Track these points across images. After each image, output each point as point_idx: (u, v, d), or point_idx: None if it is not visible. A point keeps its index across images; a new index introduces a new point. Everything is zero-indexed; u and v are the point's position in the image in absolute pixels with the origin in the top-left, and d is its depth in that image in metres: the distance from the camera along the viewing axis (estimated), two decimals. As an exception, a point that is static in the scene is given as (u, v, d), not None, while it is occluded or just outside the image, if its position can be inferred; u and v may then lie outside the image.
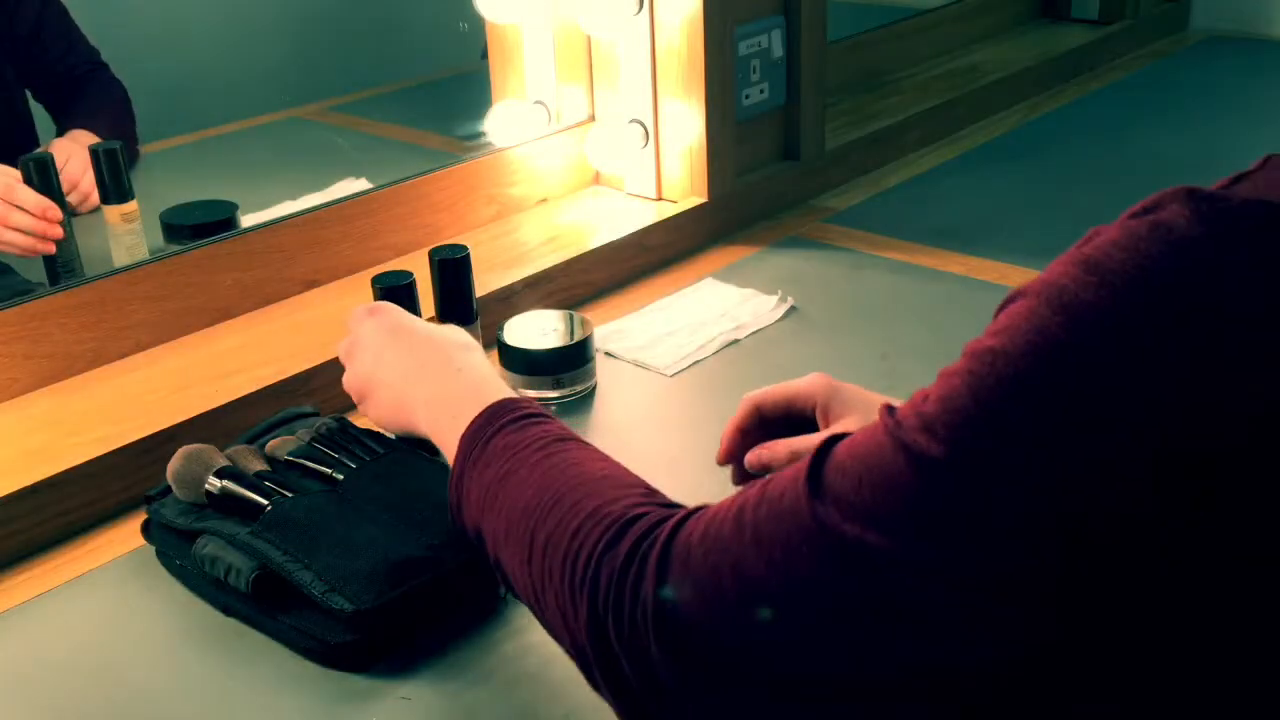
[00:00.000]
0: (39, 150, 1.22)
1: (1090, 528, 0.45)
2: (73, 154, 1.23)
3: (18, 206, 1.10)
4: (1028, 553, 0.46)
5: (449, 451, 0.74)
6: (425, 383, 0.80)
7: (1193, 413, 0.44)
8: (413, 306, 0.97)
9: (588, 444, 0.69)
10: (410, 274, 1.01)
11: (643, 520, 0.59)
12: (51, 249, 1.12)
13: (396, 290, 0.99)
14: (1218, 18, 2.25)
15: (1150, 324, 0.45)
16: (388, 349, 0.84)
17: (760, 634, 0.52)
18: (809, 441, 0.84)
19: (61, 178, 1.16)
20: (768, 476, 0.56)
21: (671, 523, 0.57)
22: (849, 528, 0.49)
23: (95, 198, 1.20)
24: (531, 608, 0.65)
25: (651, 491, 0.64)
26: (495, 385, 0.77)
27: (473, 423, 0.72)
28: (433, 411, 0.78)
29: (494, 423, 0.72)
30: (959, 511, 0.47)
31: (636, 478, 0.65)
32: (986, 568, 0.47)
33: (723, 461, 0.88)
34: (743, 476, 0.87)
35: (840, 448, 0.53)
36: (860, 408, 0.84)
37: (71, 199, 1.21)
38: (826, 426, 0.84)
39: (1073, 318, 0.46)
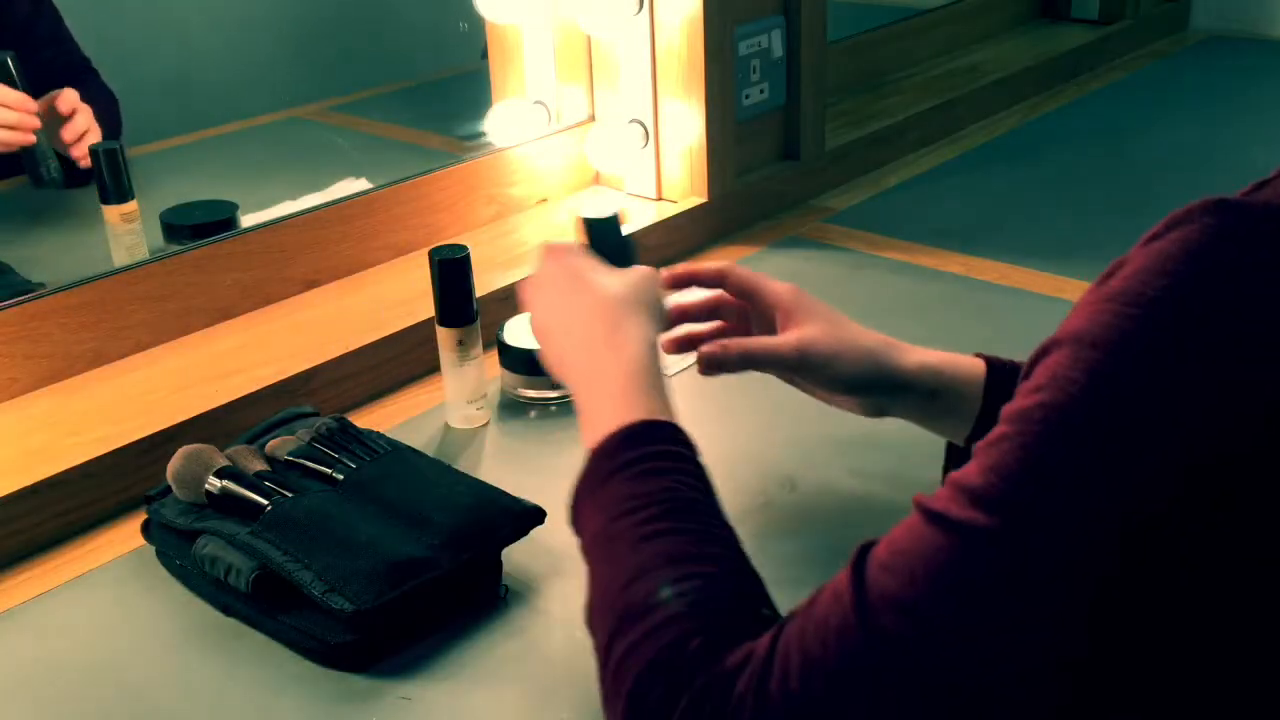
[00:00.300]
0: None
1: (1133, 549, 0.45)
2: (78, 108, 1.24)
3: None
4: (1075, 589, 0.46)
5: (583, 434, 0.72)
6: (583, 353, 0.76)
7: (1214, 414, 0.44)
8: (622, 244, 0.88)
9: (694, 506, 0.65)
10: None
11: (706, 670, 0.55)
12: (32, 139, 1.14)
13: (602, 225, 0.94)
14: (1218, 18, 2.25)
15: (1176, 336, 0.45)
16: (560, 299, 0.80)
17: None
18: (763, 344, 0.83)
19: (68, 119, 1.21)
20: (801, 603, 0.55)
21: (728, 665, 0.54)
22: (907, 630, 0.48)
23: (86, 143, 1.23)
24: (601, 686, 0.62)
25: (723, 607, 0.59)
26: (642, 382, 0.73)
27: (604, 443, 0.69)
28: (581, 394, 0.75)
29: (623, 452, 0.68)
30: (1002, 579, 0.47)
31: (717, 569, 0.61)
32: (1042, 616, 0.46)
33: (668, 283, 0.87)
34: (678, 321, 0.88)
35: (878, 550, 0.52)
36: (825, 317, 0.83)
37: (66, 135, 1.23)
38: (785, 331, 0.84)
39: (1117, 354, 0.46)
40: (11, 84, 1.17)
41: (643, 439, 0.69)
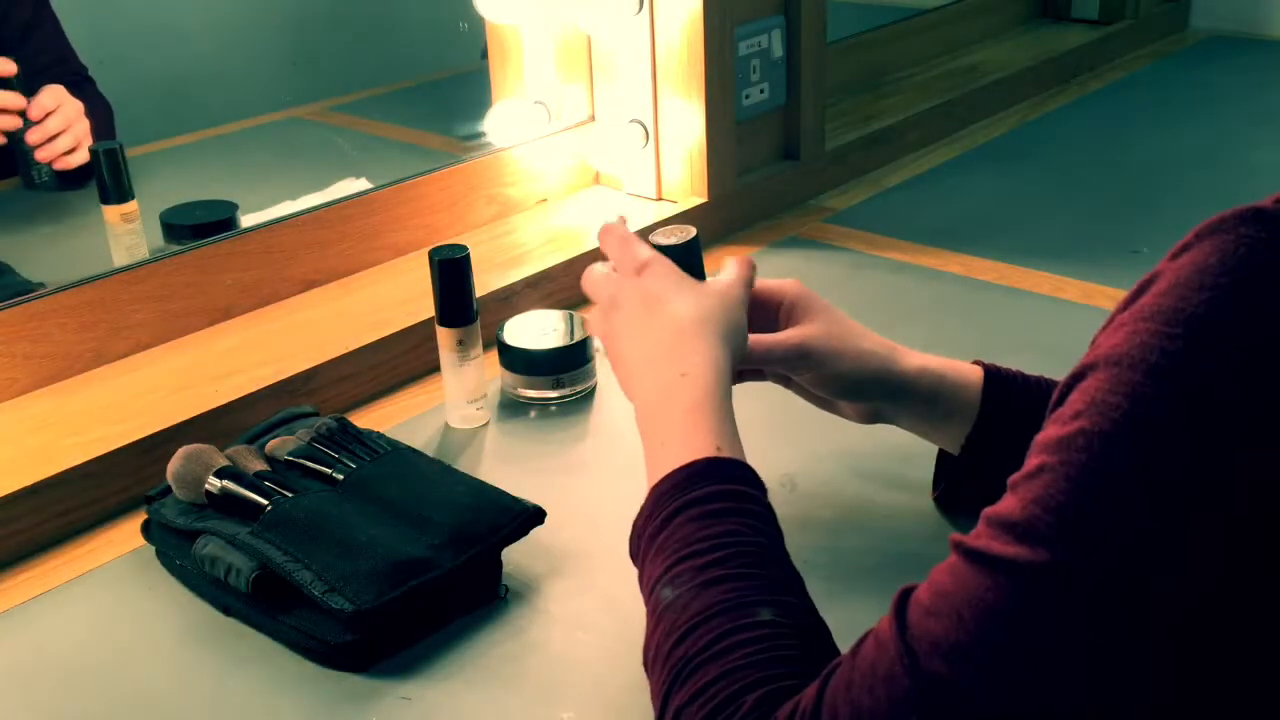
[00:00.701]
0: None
1: (1155, 586, 0.44)
2: (63, 102, 1.24)
3: None
4: (1137, 621, 0.45)
5: (646, 461, 0.71)
6: (650, 381, 0.74)
7: (1262, 428, 0.43)
8: (694, 263, 0.84)
9: (759, 550, 0.63)
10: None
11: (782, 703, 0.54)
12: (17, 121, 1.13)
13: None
14: (1218, 18, 2.25)
15: (1226, 353, 0.44)
16: (635, 319, 0.77)
17: None
18: (764, 340, 0.81)
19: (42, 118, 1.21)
20: (844, 654, 0.53)
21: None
22: (960, 674, 0.47)
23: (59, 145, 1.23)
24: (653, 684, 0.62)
25: (779, 664, 0.58)
26: (708, 411, 0.71)
27: (666, 481, 0.67)
28: (646, 423, 0.73)
29: (683, 494, 0.66)
30: (1047, 611, 0.45)
31: (784, 615, 0.60)
32: (1104, 651, 0.45)
33: None
34: None
35: (919, 594, 0.50)
36: (828, 316, 0.82)
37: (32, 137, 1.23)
38: (787, 327, 0.83)
39: (1158, 373, 0.45)
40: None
41: (707, 478, 0.67)
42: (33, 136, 1.22)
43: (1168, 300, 0.46)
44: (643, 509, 0.68)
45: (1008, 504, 0.48)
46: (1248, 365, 0.44)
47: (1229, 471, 0.44)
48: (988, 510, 0.49)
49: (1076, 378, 0.48)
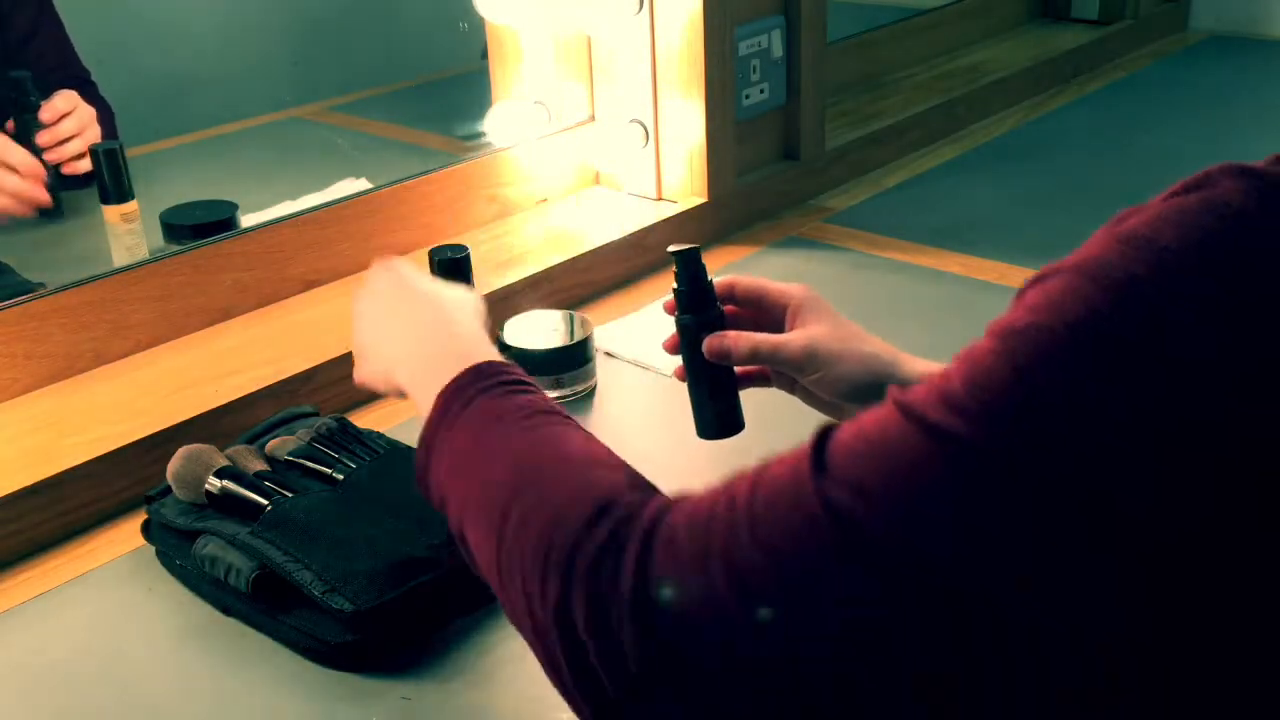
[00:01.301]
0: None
1: (1122, 506, 0.44)
2: (77, 106, 1.24)
3: (8, 167, 1.11)
4: (1055, 537, 0.44)
5: (425, 408, 0.70)
6: (414, 338, 0.76)
7: (1246, 381, 0.43)
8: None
9: (570, 419, 0.65)
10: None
11: (626, 503, 0.55)
12: (33, 213, 1.12)
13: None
14: (1218, 18, 2.25)
15: (1207, 293, 0.44)
16: (387, 305, 0.80)
17: (748, 626, 0.48)
18: (771, 340, 0.82)
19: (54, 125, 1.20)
20: (759, 463, 0.53)
21: (655, 506, 0.54)
22: (860, 512, 0.46)
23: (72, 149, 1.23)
24: (493, 585, 0.61)
25: (635, 475, 0.60)
26: (486, 349, 0.72)
27: (454, 380, 0.68)
28: (415, 366, 0.74)
29: (476, 383, 0.67)
30: (990, 495, 0.44)
31: (619, 459, 0.61)
32: (1009, 558, 0.44)
33: (673, 349, 0.86)
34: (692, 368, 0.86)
35: (843, 432, 0.49)
36: (834, 320, 0.83)
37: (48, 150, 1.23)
38: (792, 329, 0.83)
39: (1121, 293, 0.45)
40: (32, 105, 1.18)
41: (493, 371, 0.68)
42: (44, 139, 1.22)
43: (1143, 230, 0.46)
44: (427, 422, 0.68)
45: (950, 374, 0.47)
46: (1207, 299, 0.44)
47: (1218, 415, 0.43)
48: (934, 376, 0.48)
49: (1041, 277, 0.48)
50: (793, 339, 0.83)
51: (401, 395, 0.77)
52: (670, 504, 0.54)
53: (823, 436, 0.50)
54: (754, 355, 0.83)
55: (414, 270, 0.82)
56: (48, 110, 1.22)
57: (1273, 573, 0.44)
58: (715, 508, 0.51)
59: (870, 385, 0.83)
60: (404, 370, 0.76)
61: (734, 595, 0.48)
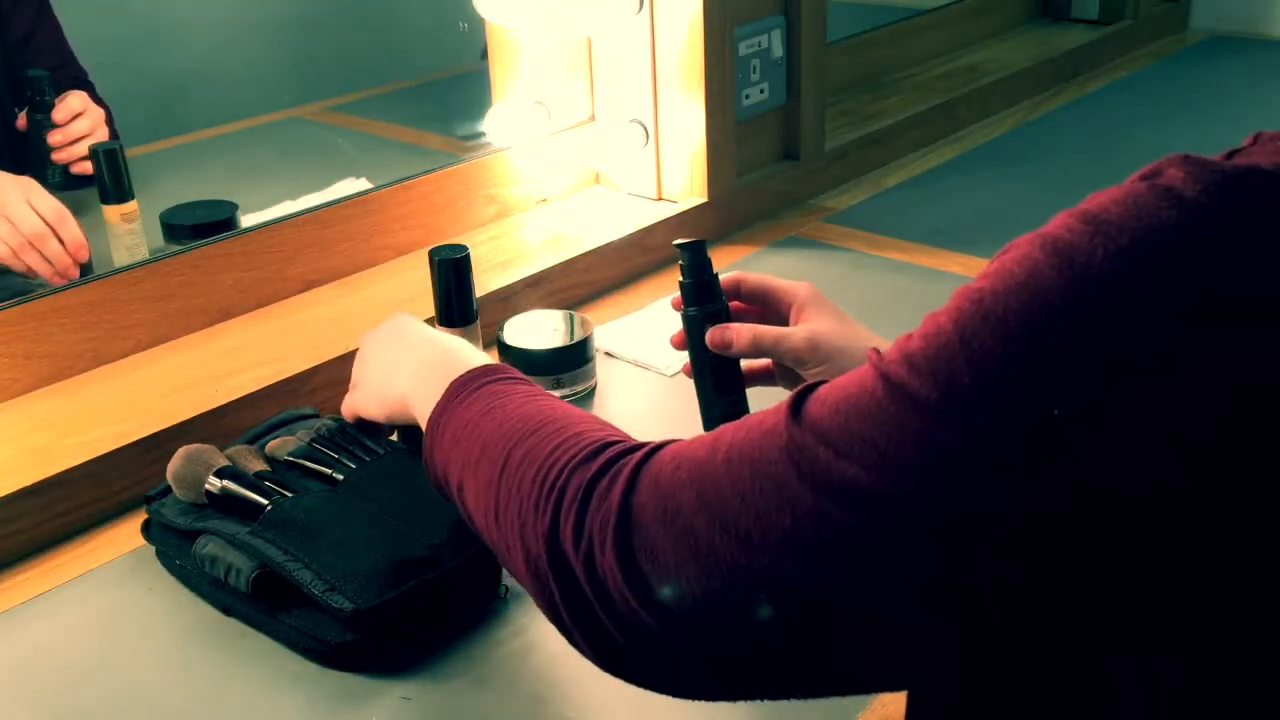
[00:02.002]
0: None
1: (1058, 471, 0.45)
2: (89, 108, 1.26)
3: (58, 237, 1.13)
4: (998, 493, 0.45)
5: (429, 406, 0.73)
6: (415, 360, 0.79)
7: (1175, 372, 0.44)
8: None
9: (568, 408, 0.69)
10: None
11: (621, 444, 0.59)
12: (59, 282, 1.14)
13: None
14: (1218, 18, 2.25)
15: (1145, 275, 0.45)
16: (393, 334, 0.84)
17: (711, 549, 0.51)
18: (774, 332, 0.84)
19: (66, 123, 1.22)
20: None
21: (650, 446, 0.58)
22: (822, 452, 0.48)
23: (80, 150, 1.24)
24: (487, 531, 0.64)
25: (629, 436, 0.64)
26: (476, 355, 0.77)
27: (465, 373, 0.72)
28: (419, 375, 0.77)
29: (485, 376, 0.71)
30: (933, 447, 0.46)
31: (618, 428, 0.65)
32: (952, 506, 0.46)
33: (681, 344, 0.88)
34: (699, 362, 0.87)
35: (824, 385, 0.52)
36: (838, 316, 0.85)
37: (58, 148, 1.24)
38: (796, 325, 0.85)
39: (1066, 262, 0.46)
40: (46, 105, 1.21)
41: (501, 370, 0.72)
42: (55, 138, 1.23)
43: (1095, 207, 0.48)
44: (433, 408, 0.72)
45: (914, 336, 0.50)
46: (1144, 269, 0.45)
47: (1097, 356, 0.44)
48: (904, 335, 0.50)
49: (1003, 252, 0.50)
50: (796, 332, 0.84)
51: (391, 428, 0.83)
52: (663, 445, 0.57)
53: (806, 389, 0.53)
54: (756, 346, 0.83)
55: (406, 320, 0.85)
56: (62, 109, 1.23)
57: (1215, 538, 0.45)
58: (699, 449, 0.55)
59: None
60: (405, 380, 0.78)
61: (701, 517, 0.52)
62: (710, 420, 0.87)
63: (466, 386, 0.71)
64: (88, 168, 1.23)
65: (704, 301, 0.85)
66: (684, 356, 0.88)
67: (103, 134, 1.25)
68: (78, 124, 1.24)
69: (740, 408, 0.87)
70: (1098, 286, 0.45)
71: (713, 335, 0.84)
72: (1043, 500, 0.45)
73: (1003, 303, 0.47)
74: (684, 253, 0.85)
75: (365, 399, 0.84)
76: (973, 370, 0.46)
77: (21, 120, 1.24)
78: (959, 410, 0.46)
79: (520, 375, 0.73)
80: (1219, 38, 2.22)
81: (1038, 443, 0.45)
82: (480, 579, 0.84)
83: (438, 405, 0.72)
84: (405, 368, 0.79)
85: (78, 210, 1.25)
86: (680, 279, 0.86)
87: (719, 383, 0.86)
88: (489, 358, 0.77)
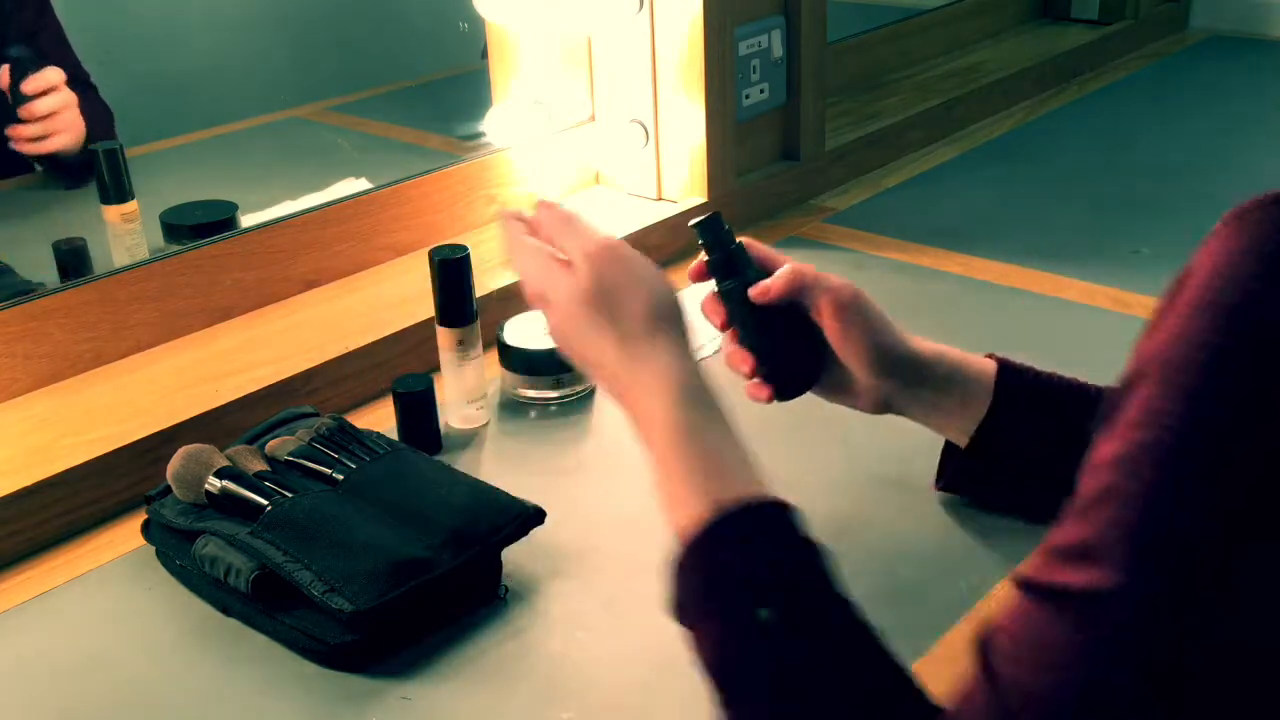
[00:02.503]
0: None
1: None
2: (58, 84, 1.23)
3: None
4: (1222, 635, 0.44)
5: (677, 513, 0.64)
6: (618, 392, 0.71)
7: None
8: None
9: (822, 598, 0.59)
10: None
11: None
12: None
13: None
14: (1218, 18, 2.25)
15: (1261, 338, 0.43)
16: (580, 324, 0.74)
17: None
18: (816, 272, 0.83)
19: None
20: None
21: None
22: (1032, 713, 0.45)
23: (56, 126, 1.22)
24: None
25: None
26: (692, 421, 0.67)
27: (697, 535, 0.62)
28: (637, 426, 0.70)
29: (717, 537, 0.61)
30: (1152, 626, 0.43)
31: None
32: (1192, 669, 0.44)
33: (724, 325, 0.84)
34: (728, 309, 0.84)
35: (998, 641, 0.48)
36: (876, 306, 0.84)
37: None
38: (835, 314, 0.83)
39: (1208, 373, 0.44)
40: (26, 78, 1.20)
41: (729, 520, 0.61)
42: (22, 112, 1.22)
43: (1203, 294, 0.45)
44: (674, 557, 0.63)
45: (1066, 530, 0.46)
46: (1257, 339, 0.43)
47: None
48: (1051, 539, 0.47)
49: (1129, 385, 0.47)
50: (845, 282, 0.83)
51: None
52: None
53: (982, 650, 0.49)
54: (795, 281, 0.82)
55: (613, 273, 0.75)
56: (33, 81, 1.21)
57: None
58: None
59: (899, 359, 0.83)
60: (614, 394, 0.72)
61: None
62: (781, 387, 0.84)
63: (700, 551, 0.61)
64: (41, 148, 1.22)
65: (736, 270, 0.83)
66: (710, 343, 0.86)
67: (69, 117, 1.23)
68: (42, 101, 1.22)
69: (812, 357, 0.85)
70: (1249, 380, 0.43)
71: (756, 290, 0.82)
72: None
73: (1172, 448, 0.44)
74: (701, 230, 0.84)
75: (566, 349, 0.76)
76: (1177, 533, 0.44)
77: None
78: (1175, 577, 0.44)
79: (747, 521, 0.62)
80: (1219, 38, 2.22)
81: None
82: (480, 580, 0.84)
83: (675, 563, 0.62)
84: (615, 388, 0.71)
85: (77, 209, 1.25)
86: (705, 258, 0.85)
87: (777, 341, 0.84)
88: (698, 406, 0.68)
